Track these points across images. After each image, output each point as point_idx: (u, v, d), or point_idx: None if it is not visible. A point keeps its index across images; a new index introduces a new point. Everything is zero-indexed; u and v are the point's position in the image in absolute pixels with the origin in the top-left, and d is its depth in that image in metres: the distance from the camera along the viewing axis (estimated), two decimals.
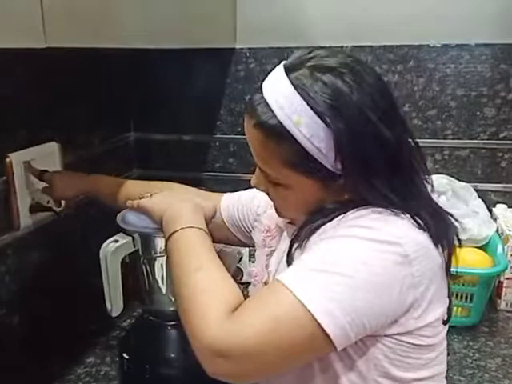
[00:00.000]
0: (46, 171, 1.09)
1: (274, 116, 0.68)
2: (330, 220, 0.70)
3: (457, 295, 1.22)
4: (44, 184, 1.10)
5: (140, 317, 1.05)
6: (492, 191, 1.46)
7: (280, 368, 0.65)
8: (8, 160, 1.03)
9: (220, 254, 1.35)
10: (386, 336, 0.66)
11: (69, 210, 1.21)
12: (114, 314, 0.88)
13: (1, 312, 1.05)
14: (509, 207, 1.43)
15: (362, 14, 1.42)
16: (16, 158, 1.05)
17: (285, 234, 0.86)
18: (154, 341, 0.96)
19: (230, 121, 1.57)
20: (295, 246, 0.72)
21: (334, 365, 0.68)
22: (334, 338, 0.60)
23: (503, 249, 1.27)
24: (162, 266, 0.90)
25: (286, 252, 0.74)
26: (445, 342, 0.74)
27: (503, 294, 1.31)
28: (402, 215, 0.67)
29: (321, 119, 0.66)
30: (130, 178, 1.54)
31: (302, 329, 0.60)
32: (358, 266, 0.62)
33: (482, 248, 1.31)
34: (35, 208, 1.10)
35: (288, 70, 0.70)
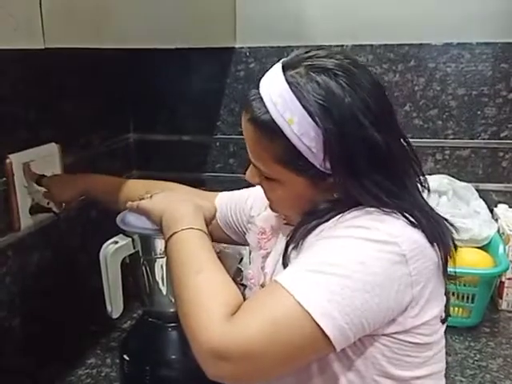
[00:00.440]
0: (43, 176, 1.09)
1: (267, 112, 0.69)
2: (327, 220, 0.70)
3: (458, 295, 1.21)
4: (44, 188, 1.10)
5: (140, 318, 1.05)
6: (493, 191, 1.45)
7: (280, 369, 0.65)
8: (8, 161, 1.03)
9: (220, 255, 1.35)
10: (383, 335, 0.66)
11: (69, 211, 1.21)
12: (115, 315, 0.88)
13: (1, 313, 1.04)
14: (510, 207, 1.43)
15: (362, 13, 1.42)
16: (16, 159, 1.04)
17: (280, 235, 0.86)
18: (154, 342, 0.96)
19: (230, 121, 1.57)
20: (291, 247, 0.72)
21: (333, 365, 0.68)
22: (333, 339, 0.60)
23: (504, 249, 1.26)
24: (162, 267, 0.90)
25: (282, 253, 0.74)
26: (443, 341, 0.74)
27: (504, 294, 1.31)
28: (396, 214, 0.68)
29: (312, 119, 0.67)
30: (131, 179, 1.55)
31: (301, 330, 0.60)
32: (355, 266, 0.62)
33: (483, 248, 1.31)
34: (35, 209, 1.10)
35: (285, 68, 0.70)
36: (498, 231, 1.33)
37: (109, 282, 0.85)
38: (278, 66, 0.72)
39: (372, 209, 0.68)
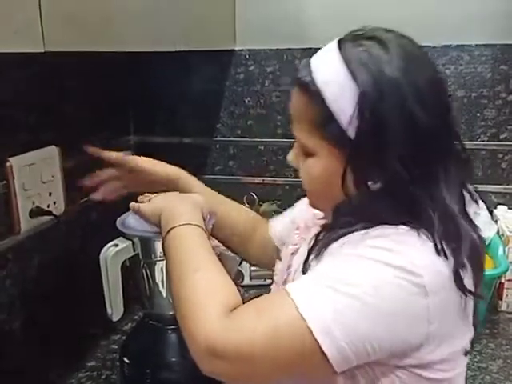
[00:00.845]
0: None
1: (310, 74, 0.69)
2: (351, 232, 0.66)
3: None
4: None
5: (141, 321, 1.05)
6: (492, 192, 1.45)
7: (278, 374, 0.64)
8: (8, 164, 1.03)
9: (221, 257, 1.35)
10: (398, 367, 0.63)
11: (69, 214, 1.21)
12: (115, 318, 0.88)
13: (1, 316, 1.04)
14: (509, 208, 1.43)
15: (361, 15, 1.42)
16: (16, 162, 1.04)
17: (311, 234, 0.82)
18: (154, 345, 0.96)
19: (230, 123, 1.57)
20: (312, 255, 0.70)
21: None
22: (331, 358, 0.59)
23: (504, 250, 1.27)
24: (162, 270, 0.90)
25: (304, 260, 0.71)
26: (464, 373, 0.70)
27: (504, 295, 1.31)
28: (425, 236, 0.63)
29: (352, 77, 0.65)
30: None
31: (299, 343, 0.59)
32: (368, 289, 0.59)
33: None
34: (35, 212, 1.10)
35: (340, 41, 0.71)
36: (498, 233, 1.33)
37: (109, 285, 0.85)
38: (335, 40, 0.72)
39: (401, 227, 0.64)
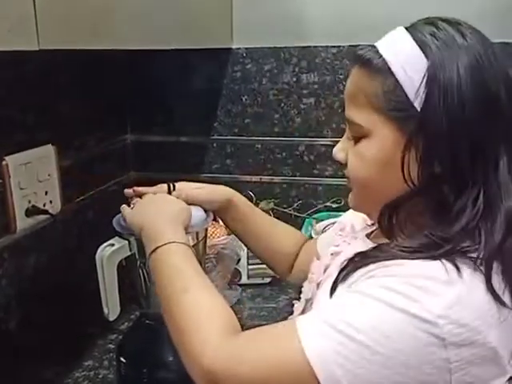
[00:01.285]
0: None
1: (373, 50, 0.68)
2: (381, 260, 0.62)
3: None
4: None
5: (137, 320, 1.04)
6: None
7: None
8: (4, 163, 1.03)
9: (218, 256, 1.36)
10: None
11: (65, 213, 1.21)
12: (111, 317, 0.87)
13: None
14: None
15: (360, 13, 1.42)
16: (12, 161, 1.04)
17: (356, 239, 0.80)
18: (151, 344, 0.95)
19: (227, 122, 1.56)
20: (341, 276, 0.66)
21: None
22: None
23: None
24: None
25: (334, 280, 0.68)
26: None
27: None
28: (459, 275, 0.57)
29: (421, 49, 0.63)
30: (127, 180, 1.55)
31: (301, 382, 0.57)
32: (380, 338, 0.55)
33: None
34: (32, 211, 1.10)
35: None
36: None
37: (105, 285, 0.85)
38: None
39: (432, 265, 0.58)
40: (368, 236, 0.78)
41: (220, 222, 1.21)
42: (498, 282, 0.59)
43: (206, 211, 0.94)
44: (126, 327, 1.23)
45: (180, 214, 0.84)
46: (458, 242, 0.60)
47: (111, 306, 0.86)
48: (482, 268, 0.58)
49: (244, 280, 1.42)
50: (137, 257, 0.89)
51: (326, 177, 1.51)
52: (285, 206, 1.54)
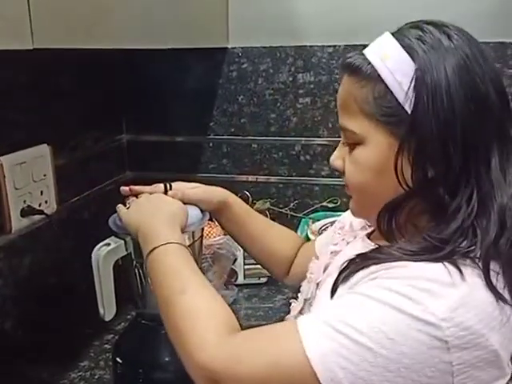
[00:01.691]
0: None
1: (362, 57, 0.68)
2: (382, 262, 0.62)
3: None
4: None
5: (133, 320, 1.04)
6: None
7: None
8: None
9: (214, 256, 1.35)
10: None
11: (61, 213, 1.20)
12: (107, 318, 0.87)
13: None
14: None
15: (355, 13, 1.42)
16: (7, 161, 1.03)
17: (355, 239, 0.80)
18: (147, 345, 0.95)
19: (223, 121, 1.56)
20: (342, 277, 0.66)
21: None
22: None
23: None
24: None
25: (334, 281, 0.68)
26: None
27: None
28: (462, 278, 0.57)
29: (407, 53, 0.64)
30: (123, 180, 1.55)
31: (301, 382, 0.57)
32: (383, 340, 0.55)
33: None
34: (27, 211, 1.09)
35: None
36: None
37: (101, 285, 0.84)
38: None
39: (435, 267, 0.58)
40: (368, 236, 0.78)
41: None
42: (498, 281, 0.59)
43: (202, 211, 0.94)
44: (122, 327, 1.23)
45: (176, 213, 0.84)
46: (456, 242, 0.60)
47: (107, 306, 0.86)
48: (481, 266, 0.59)
49: (240, 280, 1.41)
50: (133, 256, 0.88)
51: (323, 177, 1.51)
52: (281, 205, 1.54)
